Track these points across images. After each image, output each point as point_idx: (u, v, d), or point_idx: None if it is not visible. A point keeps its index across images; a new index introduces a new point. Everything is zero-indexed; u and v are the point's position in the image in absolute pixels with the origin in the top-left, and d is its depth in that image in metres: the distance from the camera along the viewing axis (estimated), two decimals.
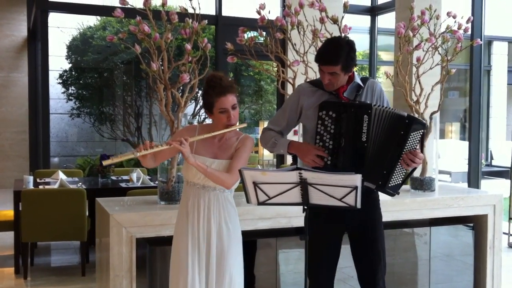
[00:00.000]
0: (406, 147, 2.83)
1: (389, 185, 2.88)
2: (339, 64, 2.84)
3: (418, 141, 2.87)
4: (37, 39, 10.06)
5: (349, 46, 2.89)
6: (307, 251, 2.95)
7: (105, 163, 2.62)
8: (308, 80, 4.27)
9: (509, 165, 6.81)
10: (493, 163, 13.79)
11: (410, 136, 2.83)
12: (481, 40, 5.11)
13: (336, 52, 2.85)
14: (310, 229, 2.86)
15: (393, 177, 2.87)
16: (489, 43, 14.14)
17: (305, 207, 2.72)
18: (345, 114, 2.86)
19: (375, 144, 2.86)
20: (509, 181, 6.83)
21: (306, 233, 2.81)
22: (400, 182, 2.92)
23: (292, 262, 4.02)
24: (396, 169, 2.86)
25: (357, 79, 2.99)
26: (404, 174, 2.91)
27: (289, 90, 4.45)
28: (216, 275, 2.86)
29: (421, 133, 2.88)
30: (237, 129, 2.91)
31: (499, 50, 14.56)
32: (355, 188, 2.55)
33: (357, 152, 2.86)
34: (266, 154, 11.92)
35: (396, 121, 2.83)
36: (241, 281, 2.96)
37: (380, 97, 3.04)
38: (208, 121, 3.10)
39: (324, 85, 2.95)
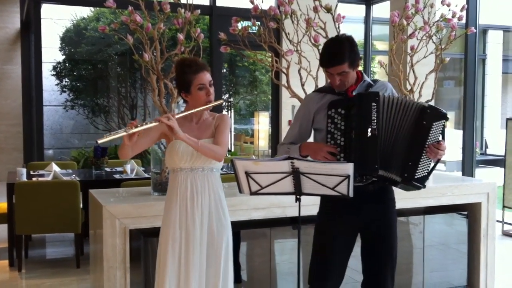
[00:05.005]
0: (429, 138, 2.80)
1: (415, 177, 2.83)
2: (346, 61, 2.80)
3: (440, 132, 2.84)
4: (30, 31, 9.98)
5: (349, 41, 2.85)
6: (314, 247, 2.96)
7: (99, 141, 2.56)
8: (302, 68, 4.28)
9: (503, 154, 6.82)
10: (488, 151, 13.83)
11: (433, 127, 2.80)
12: (475, 28, 5.10)
13: (339, 50, 2.81)
14: (323, 223, 2.91)
15: (419, 168, 2.83)
16: (484, 31, 14.13)
17: (298, 197, 2.72)
18: (354, 108, 2.81)
19: (389, 132, 2.82)
20: (503, 169, 6.85)
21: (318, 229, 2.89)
22: (426, 174, 2.87)
23: (286, 252, 4.02)
24: (421, 160, 2.82)
25: (367, 79, 2.96)
26: (429, 166, 2.87)
27: (283, 80, 4.42)
28: (209, 260, 2.88)
29: (443, 124, 2.84)
30: (211, 108, 2.97)
31: (494, 39, 14.55)
32: (347, 177, 2.55)
33: (368, 142, 2.79)
34: (262, 145, 11.91)
35: (416, 112, 2.81)
36: (231, 264, 2.97)
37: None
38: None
39: (335, 86, 2.91)
